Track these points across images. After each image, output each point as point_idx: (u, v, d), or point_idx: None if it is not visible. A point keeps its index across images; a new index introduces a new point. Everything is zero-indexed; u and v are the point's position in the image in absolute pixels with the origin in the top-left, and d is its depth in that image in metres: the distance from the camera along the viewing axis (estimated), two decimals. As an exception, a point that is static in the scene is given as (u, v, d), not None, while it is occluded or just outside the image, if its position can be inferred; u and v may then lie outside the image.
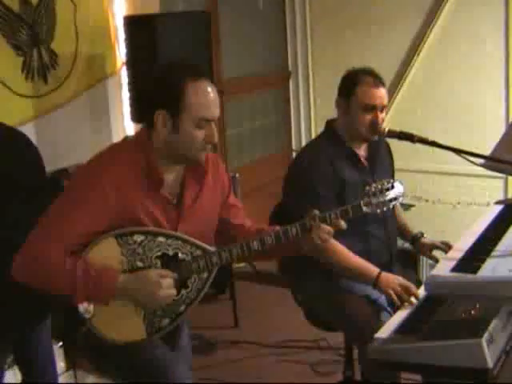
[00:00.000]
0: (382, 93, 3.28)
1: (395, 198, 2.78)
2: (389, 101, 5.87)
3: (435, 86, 5.86)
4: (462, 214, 5.63)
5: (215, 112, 2.61)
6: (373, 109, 3.26)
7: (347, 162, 3.34)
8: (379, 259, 3.32)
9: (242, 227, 2.93)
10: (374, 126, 3.26)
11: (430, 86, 5.88)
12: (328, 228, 2.69)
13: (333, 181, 3.26)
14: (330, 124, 3.46)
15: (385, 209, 2.77)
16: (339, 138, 3.37)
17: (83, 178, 2.61)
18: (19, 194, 3.03)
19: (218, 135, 2.65)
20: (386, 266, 3.29)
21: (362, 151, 3.41)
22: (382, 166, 3.48)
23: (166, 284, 2.55)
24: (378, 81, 3.29)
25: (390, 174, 3.60)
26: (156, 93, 2.64)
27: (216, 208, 2.86)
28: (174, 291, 2.58)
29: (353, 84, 3.28)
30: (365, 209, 2.72)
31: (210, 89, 2.60)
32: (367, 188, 2.75)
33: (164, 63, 2.77)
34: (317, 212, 2.70)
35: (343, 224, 2.71)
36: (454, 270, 2.48)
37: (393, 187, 2.76)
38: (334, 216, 2.70)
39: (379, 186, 2.74)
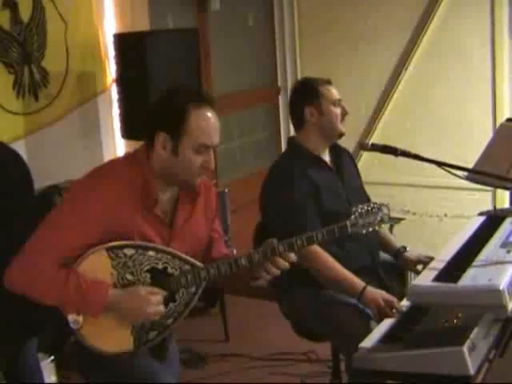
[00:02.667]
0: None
1: (381, 220, 2.81)
2: (377, 115, 6.02)
3: (423, 99, 5.90)
4: (450, 227, 5.66)
5: (215, 139, 2.65)
6: (339, 102, 3.47)
7: (317, 169, 3.44)
8: (359, 263, 3.36)
9: (219, 253, 2.94)
10: (344, 118, 3.48)
11: (418, 100, 5.93)
12: (283, 263, 2.65)
13: (308, 191, 3.33)
14: (292, 140, 3.58)
15: (370, 230, 2.81)
16: (303, 149, 3.47)
17: (80, 193, 2.64)
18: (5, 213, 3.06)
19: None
20: (368, 269, 3.33)
21: (326, 157, 3.53)
22: (348, 171, 3.60)
23: (154, 301, 2.58)
24: (325, 79, 3.52)
25: (358, 179, 3.70)
26: (159, 114, 2.67)
27: (205, 230, 2.89)
28: (162, 308, 2.61)
29: (314, 87, 3.46)
30: (351, 229, 2.76)
31: (212, 115, 2.64)
32: (353, 209, 2.78)
33: (170, 87, 2.81)
34: (273, 241, 2.67)
35: (293, 257, 2.67)
36: (435, 279, 2.51)
37: (379, 209, 2.80)
38: (320, 236, 2.71)
39: (366, 208, 2.77)
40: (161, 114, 2.66)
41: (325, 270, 3.24)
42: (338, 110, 3.45)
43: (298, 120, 3.52)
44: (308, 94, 3.47)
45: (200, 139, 2.60)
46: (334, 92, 3.47)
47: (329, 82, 3.50)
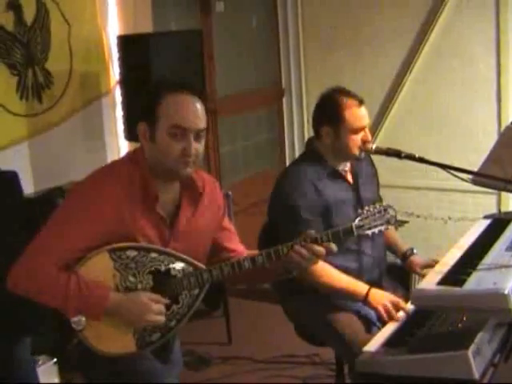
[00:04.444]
0: (365, 111, 3.31)
1: (387, 222, 2.79)
2: (382, 118, 6.01)
3: (427, 103, 5.89)
4: (455, 230, 5.64)
5: (191, 122, 2.59)
6: (362, 129, 3.29)
7: (331, 181, 3.35)
8: (370, 276, 3.35)
9: (234, 251, 2.93)
10: (365, 145, 3.29)
11: (423, 104, 5.91)
12: (319, 249, 2.65)
13: (317, 204, 3.28)
14: (311, 144, 3.47)
15: (376, 232, 2.78)
16: (321, 158, 3.38)
17: (80, 195, 2.65)
18: None
19: (202, 151, 2.66)
20: (375, 282, 3.32)
21: (345, 167, 3.42)
22: (366, 178, 3.51)
23: (155, 309, 2.58)
24: (359, 100, 3.30)
25: (376, 185, 3.63)
26: (140, 106, 2.70)
27: (210, 230, 2.88)
28: (162, 318, 2.60)
29: (338, 110, 3.26)
30: (356, 232, 2.74)
31: (189, 99, 2.62)
32: (359, 211, 2.76)
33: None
34: (311, 232, 2.68)
35: (334, 247, 2.67)
36: (440, 283, 2.49)
37: (385, 211, 2.77)
38: (325, 238, 2.70)
39: (371, 210, 2.75)
40: (141, 106, 2.69)
41: (326, 278, 3.23)
42: (357, 137, 3.26)
43: (315, 131, 3.40)
44: (330, 113, 3.29)
45: (172, 121, 2.58)
46: (361, 118, 3.27)
47: (360, 103, 3.28)
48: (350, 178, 3.43)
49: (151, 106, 2.61)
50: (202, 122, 2.63)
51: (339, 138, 3.29)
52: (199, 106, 2.64)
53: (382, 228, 2.77)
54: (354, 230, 2.72)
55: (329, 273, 3.22)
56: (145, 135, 2.63)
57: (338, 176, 3.39)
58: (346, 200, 3.35)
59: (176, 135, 2.58)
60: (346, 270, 3.27)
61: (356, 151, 3.30)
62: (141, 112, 2.67)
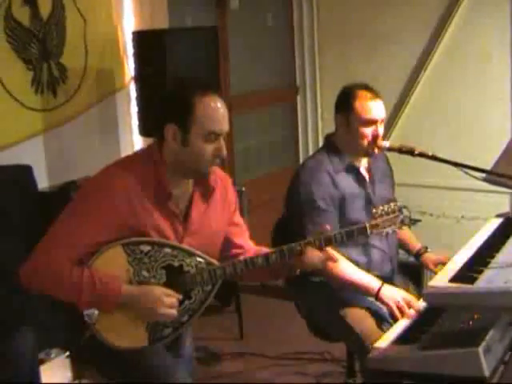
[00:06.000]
0: (380, 106, 3.30)
1: (401, 222, 2.79)
2: (396, 115, 6.01)
3: (442, 100, 5.88)
4: (467, 229, 5.62)
5: (224, 126, 2.65)
6: (373, 123, 3.28)
7: (347, 175, 3.36)
8: (381, 271, 3.35)
9: (242, 247, 2.95)
10: (376, 141, 3.29)
11: (437, 101, 5.90)
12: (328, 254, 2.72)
13: (333, 195, 3.28)
14: (329, 138, 3.48)
15: (390, 231, 2.79)
16: (339, 152, 3.38)
17: (93, 189, 2.66)
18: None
19: (226, 149, 2.69)
20: (387, 277, 3.32)
21: (362, 163, 3.43)
22: (382, 177, 3.51)
23: (168, 303, 2.59)
24: (374, 94, 3.30)
25: (391, 185, 3.63)
26: (166, 107, 2.69)
27: (222, 225, 2.89)
28: (174, 312, 2.61)
29: (350, 99, 3.28)
30: (370, 231, 2.74)
31: (219, 103, 2.65)
32: (374, 211, 2.76)
33: (175, 78, 2.81)
34: (328, 229, 2.71)
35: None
36: (452, 280, 2.50)
37: (399, 211, 2.77)
38: (339, 237, 2.72)
39: (386, 209, 2.75)
40: (168, 107, 2.69)
41: (341, 272, 3.22)
42: (367, 130, 3.26)
43: (334, 121, 3.43)
44: (343, 103, 3.33)
45: (208, 127, 2.61)
46: (371, 110, 3.26)
47: (374, 97, 3.29)
48: (366, 174, 3.43)
49: (184, 112, 2.60)
50: (228, 124, 2.68)
51: (349, 128, 3.31)
52: (225, 107, 2.67)
53: (396, 228, 2.78)
54: (368, 230, 2.73)
55: (342, 266, 3.21)
56: (175, 138, 2.63)
57: (355, 171, 3.39)
58: (360, 195, 3.36)
59: (211, 140, 2.62)
60: (355, 264, 3.27)
61: (365, 144, 3.29)
62: (167, 114, 2.66)
